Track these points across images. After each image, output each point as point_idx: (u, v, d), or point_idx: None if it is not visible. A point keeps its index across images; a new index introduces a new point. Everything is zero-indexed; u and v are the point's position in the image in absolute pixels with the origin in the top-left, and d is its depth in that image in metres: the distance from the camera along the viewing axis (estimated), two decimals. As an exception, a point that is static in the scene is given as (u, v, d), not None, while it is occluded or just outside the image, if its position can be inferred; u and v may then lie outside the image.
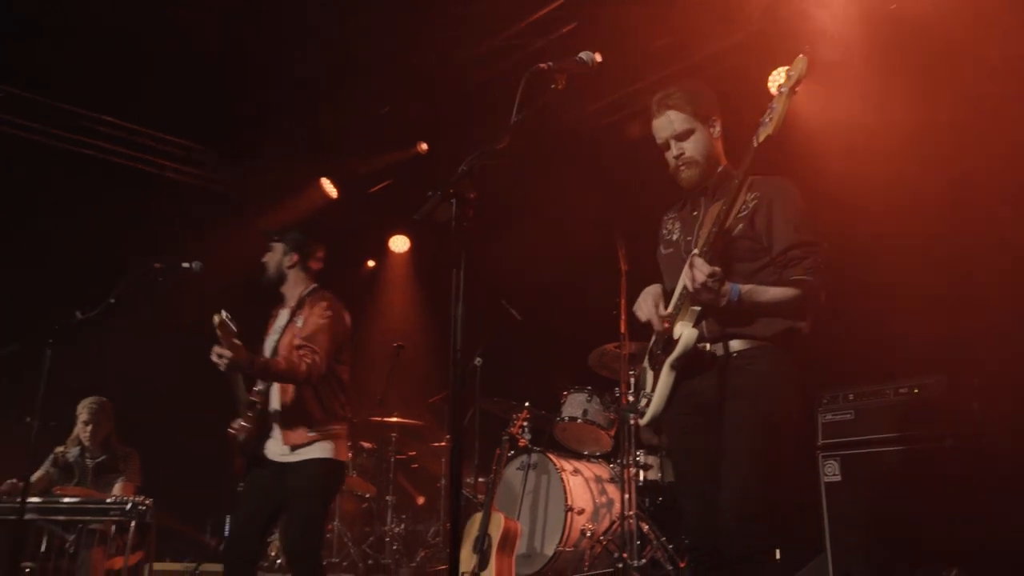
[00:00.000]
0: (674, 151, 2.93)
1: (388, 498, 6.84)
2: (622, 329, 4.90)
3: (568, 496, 4.94)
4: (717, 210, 2.73)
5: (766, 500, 2.65)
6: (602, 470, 5.39)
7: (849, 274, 4.55)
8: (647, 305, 2.91)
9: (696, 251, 2.71)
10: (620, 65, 5.33)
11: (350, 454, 6.98)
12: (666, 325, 2.82)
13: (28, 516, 5.00)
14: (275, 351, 4.04)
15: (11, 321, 5.46)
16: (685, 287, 2.71)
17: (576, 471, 5.17)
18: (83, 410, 5.79)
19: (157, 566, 6.01)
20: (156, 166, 7.72)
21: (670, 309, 2.84)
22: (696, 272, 2.62)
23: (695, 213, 2.96)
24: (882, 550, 4.08)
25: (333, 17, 6.14)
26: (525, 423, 5.02)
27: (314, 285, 4.24)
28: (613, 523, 5.01)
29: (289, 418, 3.95)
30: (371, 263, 9.12)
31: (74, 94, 7.06)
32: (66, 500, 5.30)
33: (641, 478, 5.06)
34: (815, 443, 4.44)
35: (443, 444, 7.05)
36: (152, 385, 6.69)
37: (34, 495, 5.22)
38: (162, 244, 4.38)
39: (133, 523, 5.23)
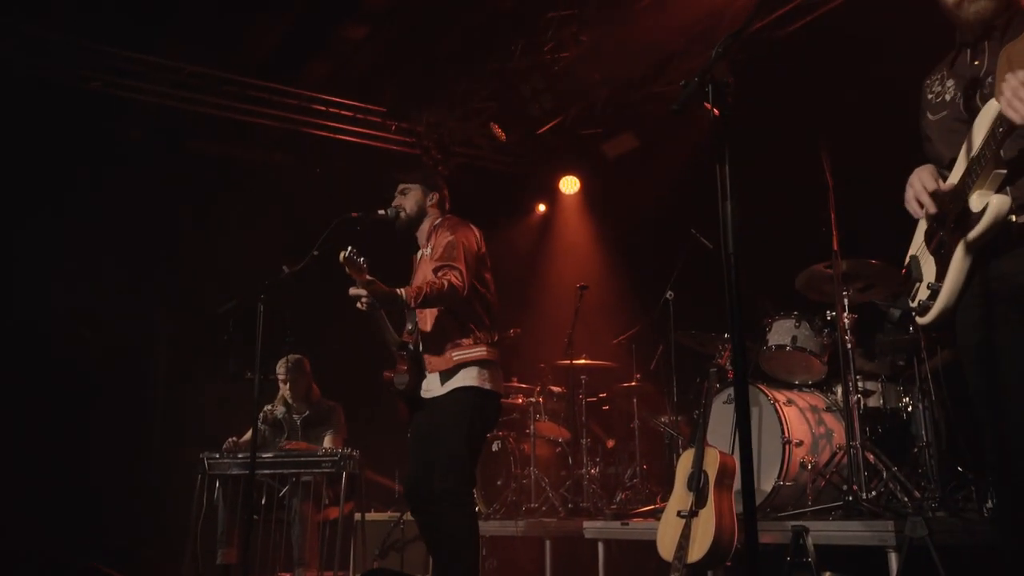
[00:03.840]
0: None
1: (582, 441, 6.77)
2: (834, 247, 4.53)
3: (785, 428, 4.66)
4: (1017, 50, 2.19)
5: None
6: (817, 399, 5.06)
7: None
8: (921, 180, 2.43)
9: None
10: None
11: (541, 398, 6.98)
12: (932, 206, 2.39)
13: (247, 471, 5.25)
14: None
15: (227, 280, 5.70)
16: (981, 151, 2.24)
17: (790, 401, 4.87)
18: (280, 369, 6.02)
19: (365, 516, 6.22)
20: (329, 129, 7.88)
21: (954, 181, 2.37)
22: (1013, 83, 2.06)
23: (976, 63, 2.44)
24: None
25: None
26: (730, 354, 4.76)
27: (440, 218, 4.16)
28: (835, 455, 4.70)
29: (433, 346, 3.88)
30: (542, 207, 9.04)
31: (248, 66, 7.29)
32: (277, 455, 5.52)
33: (862, 406, 4.71)
34: None
35: (633, 384, 6.90)
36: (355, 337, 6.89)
37: (247, 451, 5.47)
38: (353, 202, 4.40)
39: (344, 474, 5.40)
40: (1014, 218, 2.25)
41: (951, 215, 2.40)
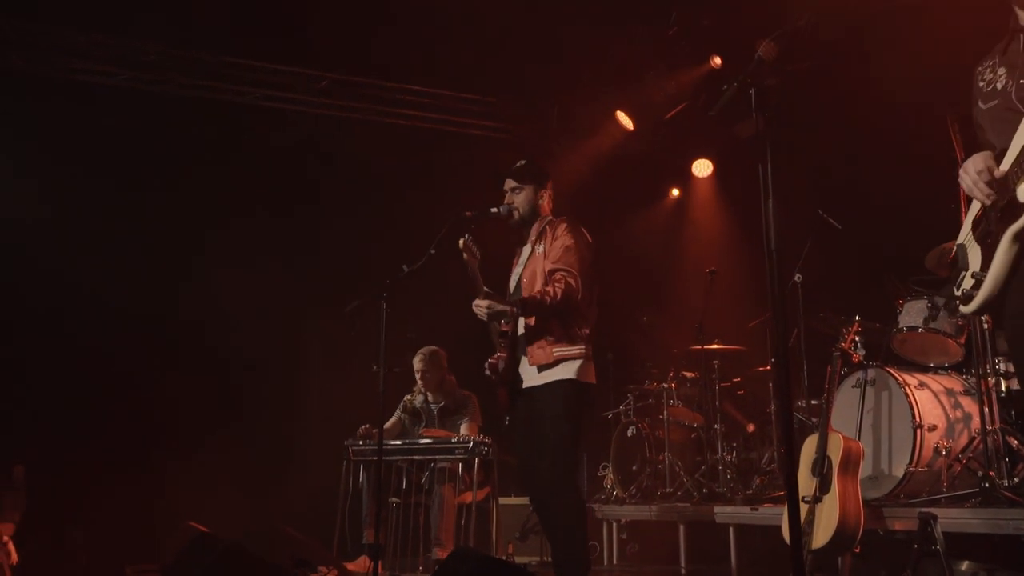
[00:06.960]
0: None
1: (716, 426, 6.72)
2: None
3: (915, 412, 4.51)
4: None
5: None
6: (953, 382, 4.85)
7: None
8: (974, 168, 2.40)
9: None
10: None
11: (674, 383, 6.97)
12: (992, 193, 2.36)
13: (387, 457, 5.57)
14: (518, 284, 4.12)
15: (353, 281, 6.03)
16: None
17: (922, 385, 4.70)
18: (417, 360, 6.32)
19: (502, 500, 6.43)
20: (459, 125, 8.13)
21: (1004, 168, 2.34)
22: None
23: None
24: None
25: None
26: (857, 337, 4.65)
27: (550, 216, 4.24)
28: (973, 439, 4.50)
29: (536, 340, 3.99)
30: (675, 191, 8.98)
31: (380, 69, 7.64)
32: (414, 442, 5.82)
33: (1003, 388, 4.49)
34: None
35: (768, 368, 6.79)
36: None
37: (390, 440, 5.80)
38: (474, 196, 4.57)
39: (477, 460, 5.64)
40: None
41: (998, 204, 2.37)
